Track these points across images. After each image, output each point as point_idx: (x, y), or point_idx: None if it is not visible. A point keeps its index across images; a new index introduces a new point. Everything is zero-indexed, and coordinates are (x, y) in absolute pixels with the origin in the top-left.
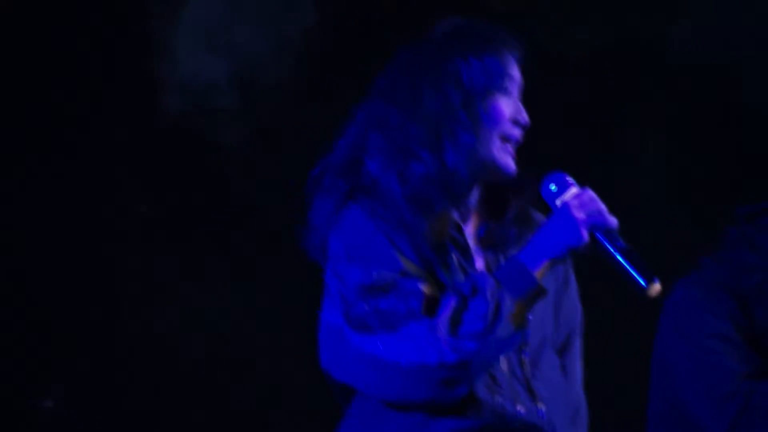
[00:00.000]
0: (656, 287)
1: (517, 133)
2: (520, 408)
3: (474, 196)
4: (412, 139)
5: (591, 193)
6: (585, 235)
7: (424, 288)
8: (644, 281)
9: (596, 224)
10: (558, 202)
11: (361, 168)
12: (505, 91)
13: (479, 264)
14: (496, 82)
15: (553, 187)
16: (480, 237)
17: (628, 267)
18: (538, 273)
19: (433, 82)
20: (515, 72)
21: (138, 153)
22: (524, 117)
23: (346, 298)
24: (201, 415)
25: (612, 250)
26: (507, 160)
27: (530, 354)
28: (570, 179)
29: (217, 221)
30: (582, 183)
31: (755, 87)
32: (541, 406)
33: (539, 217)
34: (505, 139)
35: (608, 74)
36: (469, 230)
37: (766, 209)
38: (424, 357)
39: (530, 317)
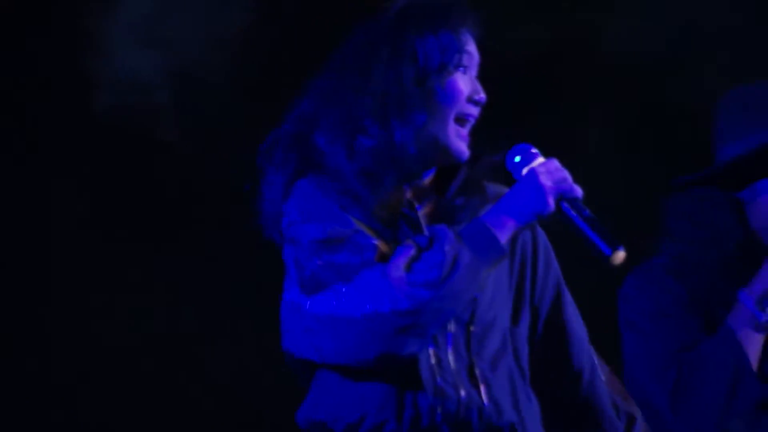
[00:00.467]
0: (620, 254)
1: (474, 111)
2: (462, 392)
3: (429, 177)
4: (361, 114)
5: (557, 163)
6: (552, 203)
7: (379, 244)
8: (608, 249)
9: (562, 192)
10: (525, 171)
11: (311, 142)
12: (461, 69)
13: None
14: (453, 59)
15: (518, 158)
16: (428, 211)
17: (592, 236)
18: (503, 238)
19: (386, 57)
20: (472, 49)
21: (72, 152)
22: (481, 95)
23: (301, 261)
24: (137, 418)
25: (577, 220)
26: (460, 145)
27: (478, 334)
28: (535, 150)
29: (152, 220)
30: None
31: (697, 84)
32: (483, 388)
33: (497, 189)
34: (462, 119)
35: (551, 73)
36: (423, 211)
37: (699, 179)
38: (378, 305)
39: (486, 283)
